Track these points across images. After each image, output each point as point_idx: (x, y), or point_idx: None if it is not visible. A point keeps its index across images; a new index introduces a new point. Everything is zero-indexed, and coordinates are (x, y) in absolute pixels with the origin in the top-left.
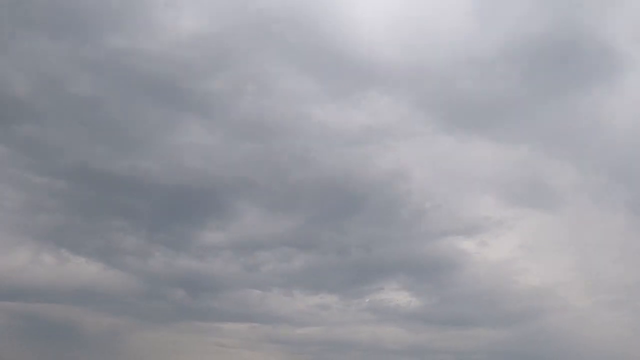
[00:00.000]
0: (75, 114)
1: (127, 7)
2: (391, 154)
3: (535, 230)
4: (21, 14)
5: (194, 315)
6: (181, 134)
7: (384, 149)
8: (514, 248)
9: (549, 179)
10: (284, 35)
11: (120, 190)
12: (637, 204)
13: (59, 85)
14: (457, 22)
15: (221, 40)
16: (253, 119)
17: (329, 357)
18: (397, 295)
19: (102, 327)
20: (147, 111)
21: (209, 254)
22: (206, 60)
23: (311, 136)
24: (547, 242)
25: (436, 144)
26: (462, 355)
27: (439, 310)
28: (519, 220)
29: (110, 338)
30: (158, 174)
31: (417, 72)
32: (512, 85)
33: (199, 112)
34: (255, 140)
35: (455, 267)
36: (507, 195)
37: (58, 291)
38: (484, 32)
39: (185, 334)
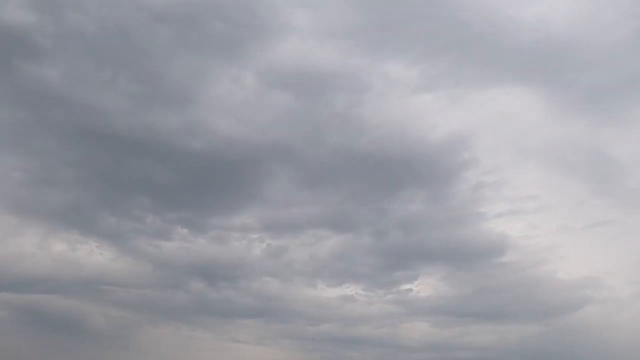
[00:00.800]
0: (79, 54)
1: None
2: (453, 113)
3: (589, 211)
4: None
5: (209, 309)
6: (209, 84)
7: (445, 106)
8: (562, 231)
9: (611, 149)
10: None
11: (131, 156)
12: None
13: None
14: None
15: None
16: (291, 67)
17: (346, 354)
18: (429, 285)
19: (111, 319)
20: (167, 52)
21: (230, 237)
22: None
23: (357, 87)
24: (601, 225)
25: (509, 98)
26: (485, 352)
27: (471, 302)
28: (573, 199)
29: (119, 332)
30: (177, 137)
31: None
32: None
33: (229, 56)
34: (292, 94)
35: (499, 253)
36: (565, 171)
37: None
38: None
39: (198, 329)
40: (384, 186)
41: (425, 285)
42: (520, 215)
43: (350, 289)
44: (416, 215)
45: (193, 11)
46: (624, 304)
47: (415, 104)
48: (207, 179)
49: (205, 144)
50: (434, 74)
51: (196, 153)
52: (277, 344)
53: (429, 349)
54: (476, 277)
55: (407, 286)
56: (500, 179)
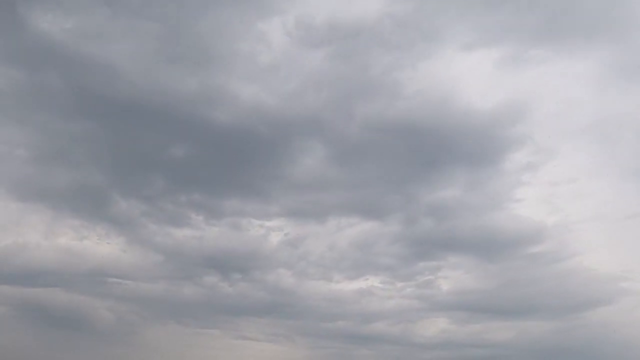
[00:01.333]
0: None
1: None
2: (507, 76)
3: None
4: None
5: (220, 306)
6: (235, 40)
7: (499, 68)
8: (599, 219)
9: None
10: None
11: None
12: None
13: None
14: None
15: None
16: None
17: (359, 352)
18: (452, 278)
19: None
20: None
21: (249, 224)
22: None
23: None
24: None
25: (572, 60)
26: (501, 350)
27: (494, 296)
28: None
29: (124, 329)
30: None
31: None
32: None
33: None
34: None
35: (530, 243)
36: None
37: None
38: None
39: (208, 325)
40: (417, 166)
41: (448, 279)
42: (556, 202)
43: (368, 282)
44: (451, 201)
45: None
46: None
47: (463, 64)
48: (224, 156)
49: (228, 116)
50: (488, 27)
51: (216, 127)
52: (289, 340)
53: (444, 347)
54: (504, 268)
55: (428, 277)
56: (547, 159)
